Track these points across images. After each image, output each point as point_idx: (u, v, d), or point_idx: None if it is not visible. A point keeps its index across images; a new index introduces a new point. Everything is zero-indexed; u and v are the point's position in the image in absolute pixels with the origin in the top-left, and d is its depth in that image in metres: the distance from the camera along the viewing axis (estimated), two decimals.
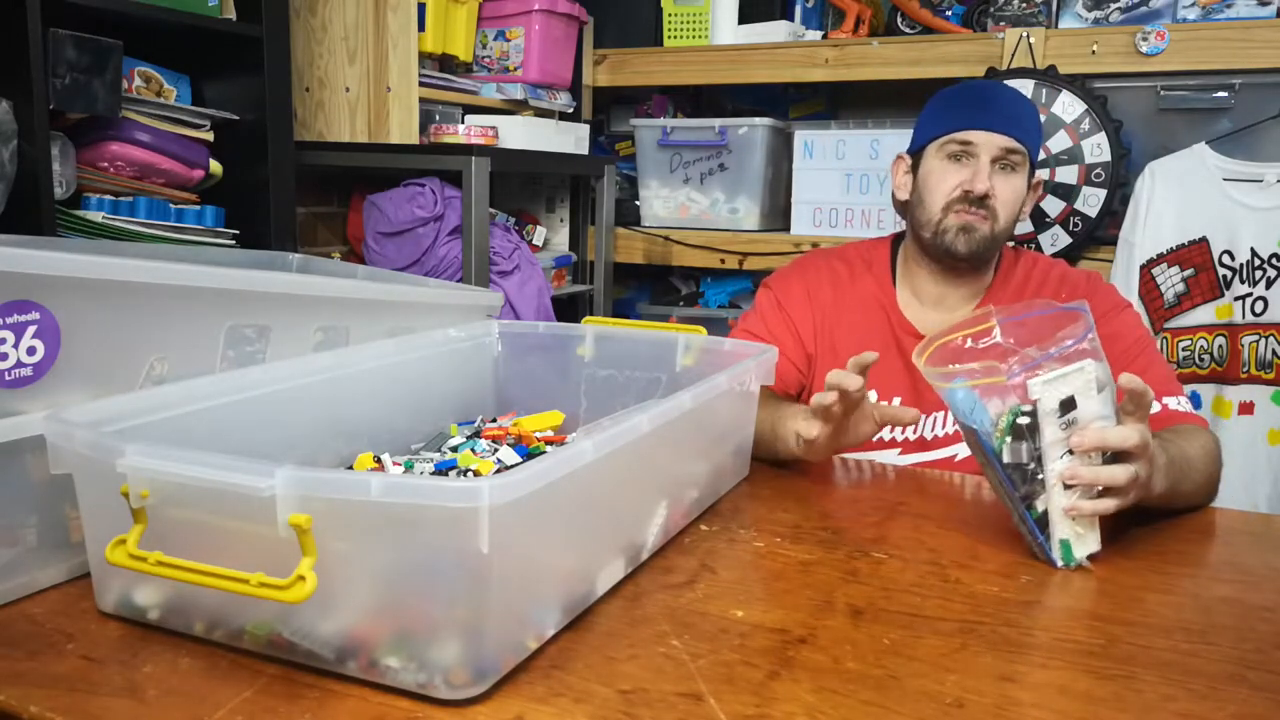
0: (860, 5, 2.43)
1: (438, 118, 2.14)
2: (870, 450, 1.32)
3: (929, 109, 1.35)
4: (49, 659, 0.70)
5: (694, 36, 2.53)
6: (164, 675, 0.68)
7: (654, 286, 2.89)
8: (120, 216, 1.60)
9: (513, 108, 2.31)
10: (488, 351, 1.23)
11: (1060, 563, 0.91)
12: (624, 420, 0.78)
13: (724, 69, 2.46)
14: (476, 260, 1.98)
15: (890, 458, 1.31)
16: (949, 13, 2.36)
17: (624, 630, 0.76)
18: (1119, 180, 2.02)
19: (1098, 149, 2.01)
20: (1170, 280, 1.96)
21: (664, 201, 2.57)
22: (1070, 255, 2.07)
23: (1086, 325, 0.88)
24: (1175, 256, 1.96)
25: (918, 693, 0.68)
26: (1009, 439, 0.89)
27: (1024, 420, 0.88)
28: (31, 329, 0.77)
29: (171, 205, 1.69)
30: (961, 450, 1.30)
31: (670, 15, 2.54)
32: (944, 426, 1.32)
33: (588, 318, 1.25)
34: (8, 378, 0.76)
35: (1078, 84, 2.03)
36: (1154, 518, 1.05)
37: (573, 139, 2.36)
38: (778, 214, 2.54)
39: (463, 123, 2.15)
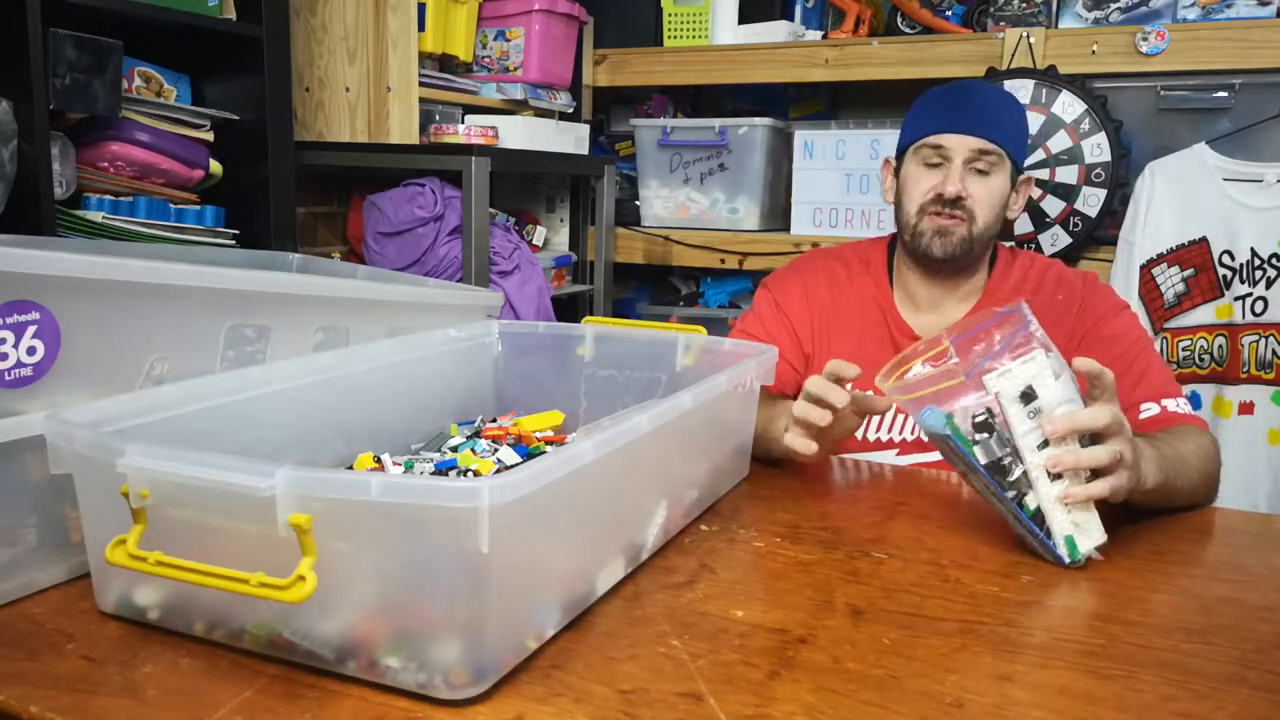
0: (860, 5, 2.43)
1: (438, 118, 2.14)
2: (869, 450, 1.32)
3: (910, 112, 1.36)
4: (49, 659, 0.70)
5: (694, 36, 2.53)
6: (164, 675, 0.68)
7: (654, 286, 2.89)
8: (120, 216, 1.60)
9: (513, 108, 2.31)
10: (488, 351, 1.23)
11: (1067, 559, 0.90)
12: (624, 420, 0.78)
13: (724, 69, 2.46)
14: (476, 260, 1.98)
15: (889, 458, 1.31)
16: (949, 13, 2.36)
17: (624, 630, 0.76)
18: (1119, 180, 2.02)
19: (1098, 149, 2.01)
20: (1170, 280, 1.96)
21: (664, 201, 2.57)
22: (1070, 255, 2.07)
23: (1024, 319, 0.92)
24: (1175, 256, 1.96)
25: (918, 693, 0.68)
26: (977, 436, 0.91)
27: (984, 416, 0.91)
28: (31, 329, 0.77)
29: (171, 205, 1.69)
30: None
31: (670, 15, 2.54)
32: None
33: (588, 318, 1.25)
34: (8, 378, 0.77)
35: (1078, 84, 2.03)
36: (1154, 517, 1.06)
37: (573, 139, 2.36)
38: (778, 214, 2.54)
39: (463, 123, 2.15)
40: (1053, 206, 2.06)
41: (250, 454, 0.67)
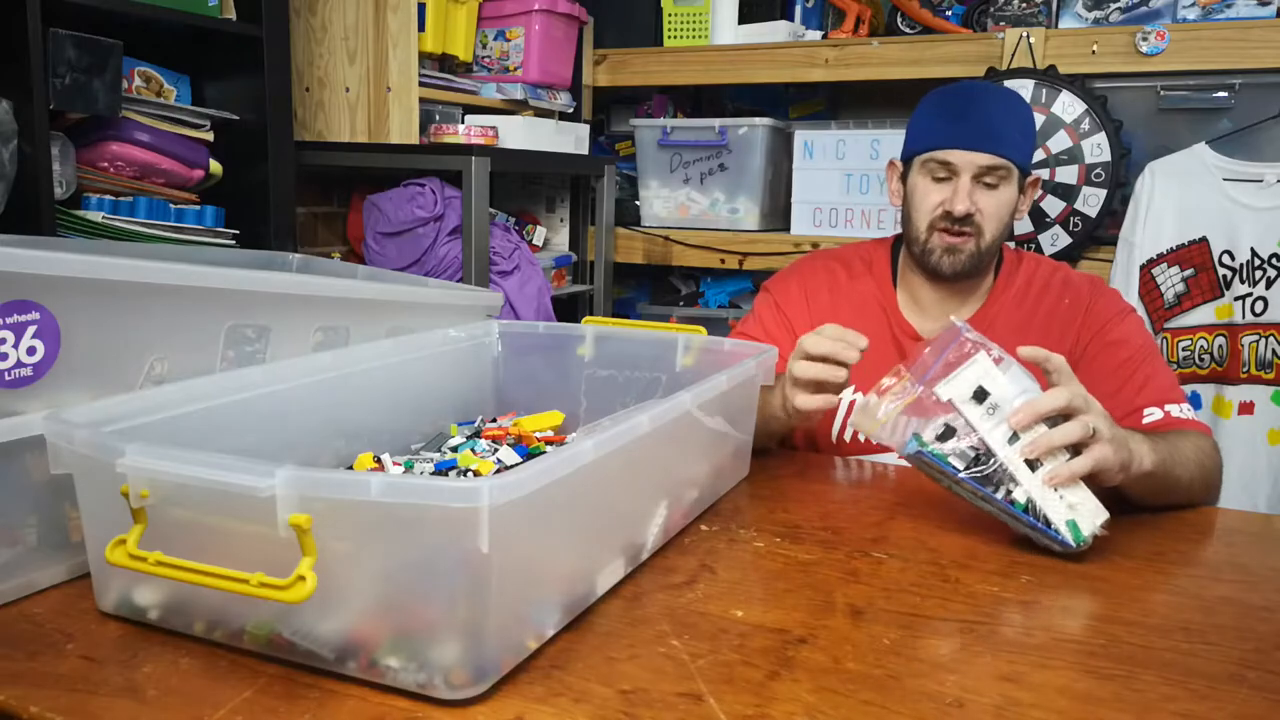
0: (860, 5, 2.43)
1: (438, 118, 2.14)
2: (870, 451, 1.31)
3: (916, 115, 1.34)
4: (49, 659, 0.70)
5: (694, 36, 2.53)
6: (164, 675, 0.68)
7: (654, 286, 2.89)
8: (120, 216, 1.60)
9: (513, 108, 2.31)
10: (488, 351, 1.23)
11: (1074, 543, 0.91)
12: (624, 420, 0.78)
13: (724, 69, 2.46)
14: (476, 260, 1.98)
15: (890, 458, 1.31)
16: (949, 13, 2.36)
17: (624, 630, 0.76)
18: (1119, 180, 2.02)
19: (1098, 149, 2.01)
20: (1170, 280, 1.96)
21: (664, 201, 2.57)
22: (1070, 255, 2.07)
23: (957, 331, 0.97)
24: (1175, 256, 1.96)
25: (918, 693, 0.68)
26: (945, 445, 0.94)
27: (944, 428, 0.94)
28: (31, 329, 0.77)
29: (171, 205, 1.69)
30: None
31: (670, 15, 2.54)
32: None
33: (588, 318, 1.25)
34: (8, 378, 0.77)
35: (1078, 84, 2.03)
36: (1154, 518, 1.06)
37: (573, 139, 2.36)
38: (778, 214, 2.54)
39: (463, 123, 2.15)
40: (1053, 206, 2.06)
41: (250, 454, 0.67)
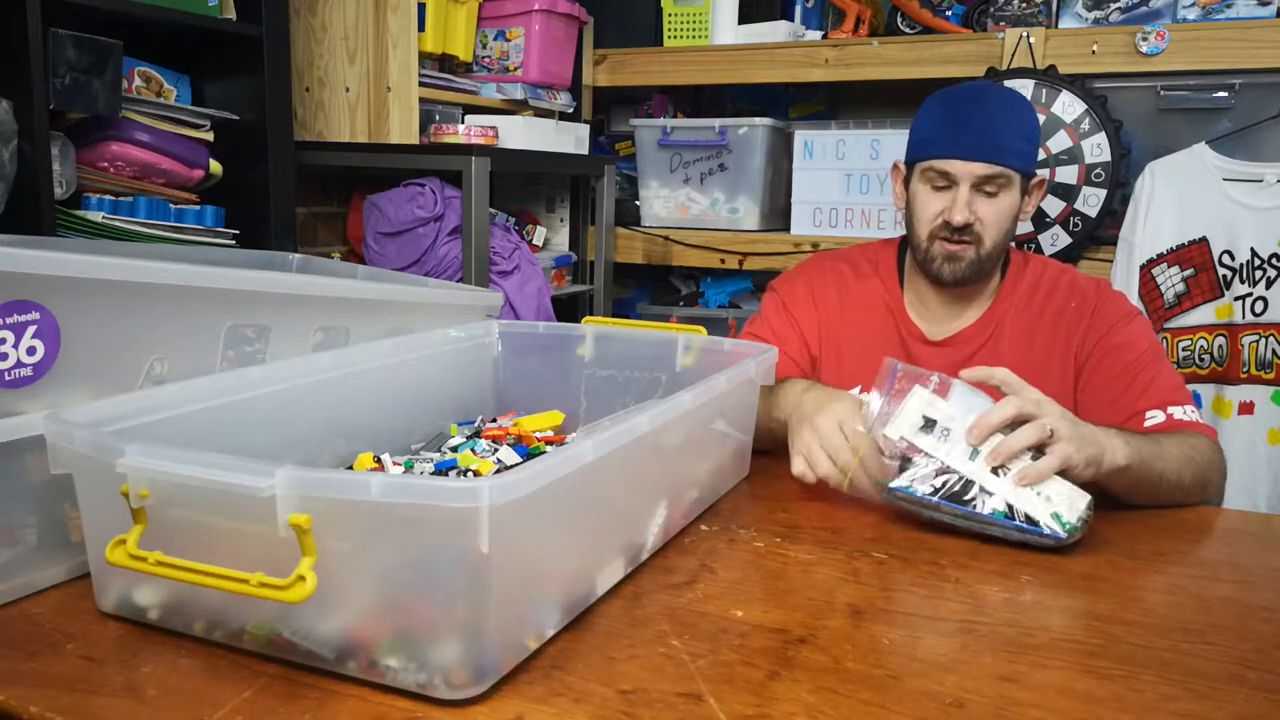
0: (860, 5, 2.43)
1: (438, 118, 2.14)
2: None
3: (919, 119, 1.33)
4: (49, 659, 0.70)
5: (694, 36, 2.52)
6: (164, 675, 0.68)
7: (654, 286, 2.89)
8: (120, 216, 1.60)
9: (513, 108, 2.31)
10: (488, 351, 1.23)
11: (1064, 533, 0.92)
12: (624, 420, 0.78)
13: (724, 69, 2.46)
14: (476, 260, 1.97)
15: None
16: (949, 13, 2.36)
17: (624, 630, 0.76)
18: (1119, 180, 2.02)
19: (1098, 149, 2.01)
20: (1170, 280, 1.96)
21: (664, 201, 2.57)
22: (1070, 255, 2.07)
23: (889, 371, 1.01)
24: (1175, 256, 1.96)
25: (918, 693, 0.68)
26: (910, 475, 0.97)
27: (900, 460, 0.98)
28: (31, 329, 0.77)
29: (171, 205, 1.69)
30: None
31: (670, 15, 2.54)
32: None
33: (588, 318, 1.25)
34: (8, 378, 0.77)
35: (1078, 84, 2.03)
36: (1154, 517, 1.06)
37: (573, 139, 2.36)
38: (778, 214, 2.54)
39: (463, 123, 2.15)
40: (1053, 206, 2.06)
41: (250, 454, 0.67)
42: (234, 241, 1.76)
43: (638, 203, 2.61)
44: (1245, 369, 1.91)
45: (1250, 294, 1.89)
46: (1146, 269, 1.98)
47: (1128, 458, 1.00)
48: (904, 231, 1.40)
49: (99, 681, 0.67)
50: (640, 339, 1.19)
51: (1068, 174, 2.04)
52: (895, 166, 1.40)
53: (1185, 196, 1.94)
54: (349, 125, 2.09)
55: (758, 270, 2.45)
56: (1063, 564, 0.92)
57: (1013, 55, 2.10)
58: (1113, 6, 2.09)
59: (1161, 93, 2.03)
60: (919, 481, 0.96)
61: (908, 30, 2.39)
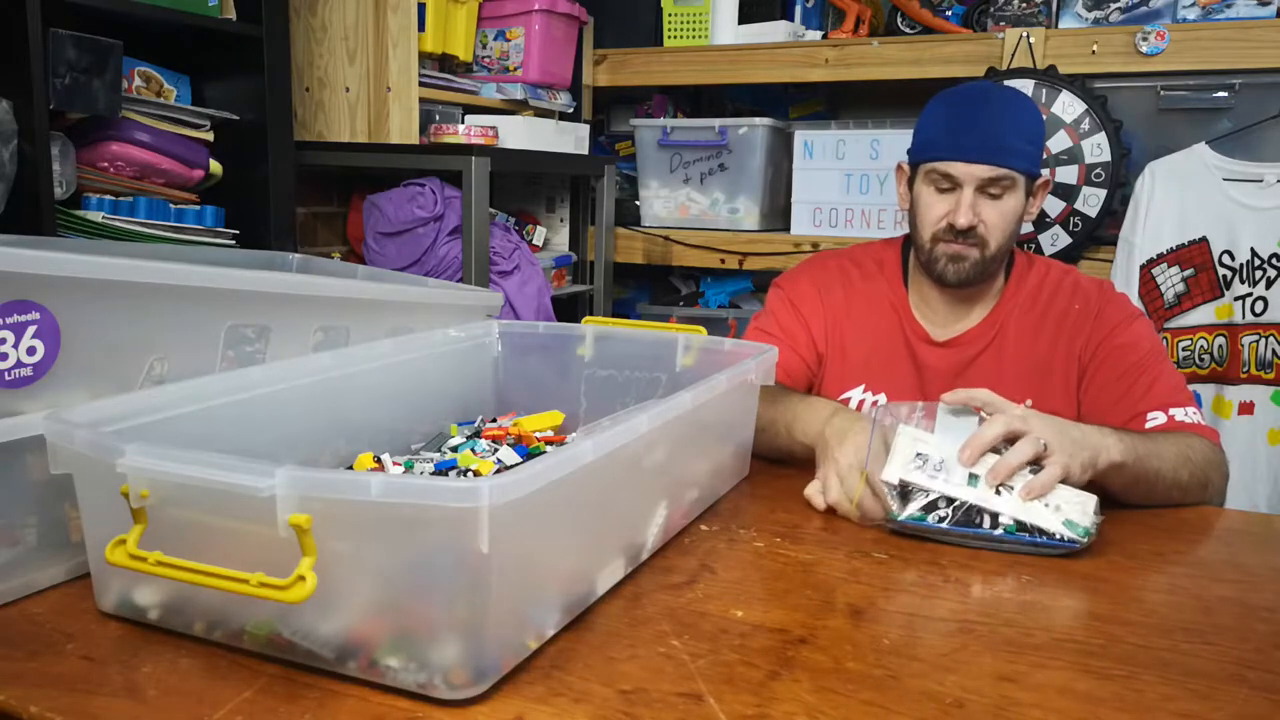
0: (860, 5, 2.43)
1: (438, 118, 2.14)
2: None
3: (923, 120, 1.33)
4: (49, 659, 0.70)
5: (694, 36, 2.52)
6: (164, 675, 0.68)
7: (654, 286, 2.89)
8: (120, 216, 1.60)
9: (513, 108, 2.31)
10: (488, 351, 1.23)
11: (1080, 537, 0.92)
12: (624, 420, 0.78)
13: (724, 69, 2.46)
14: (476, 260, 1.97)
15: None
16: (949, 13, 2.36)
17: (624, 630, 0.76)
18: (1119, 180, 2.02)
19: (1098, 149, 2.01)
20: (1170, 280, 1.96)
21: (664, 201, 2.57)
22: (1070, 255, 2.06)
23: (869, 420, 1.03)
24: (1175, 256, 1.96)
25: (918, 693, 0.68)
26: (916, 505, 0.96)
27: (899, 494, 0.97)
28: (31, 329, 0.77)
29: (171, 205, 1.69)
30: None
31: (670, 15, 2.54)
32: None
33: (588, 318, 1.25)
34: (8, 378, 0.77)
35: (1078, 84, 2.03)
36: (1154, 517, 1.06)
37: (573, 139, 2.36)
38: (778, 214, 2.54)
39: (463, 123, 2.15)
40: (1053, 206, 2.06)
41: (250, 454, 0.67)
42: (234, 241, 1.76)
43: (638, 203, 2.61)
44: (1245, 369, 1.91)
45: (1250, 294, 1.89)
46: (1146, 269, 1.98)
47: (1122, 454, 1.01)
48: (905, 231, 1.40)
49: (99, 681, 0.67)
50: (640, 339, 1.19)
51: (1068, 174, 2.04)
52: (899, 167, 1.40)
53: (1185, 196, 1.94)
54: (349, 125, 2.09)
55: (758, 270, 2.45)
56: (1063, 564, 0.92)
57: (1013, 55, 2.10)
58: (1113, 6, 2.09)
59: (1161, 93, 2.03)
60: (923, 510, 0.96)
61: (908, 30, 2.39)
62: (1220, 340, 1.94)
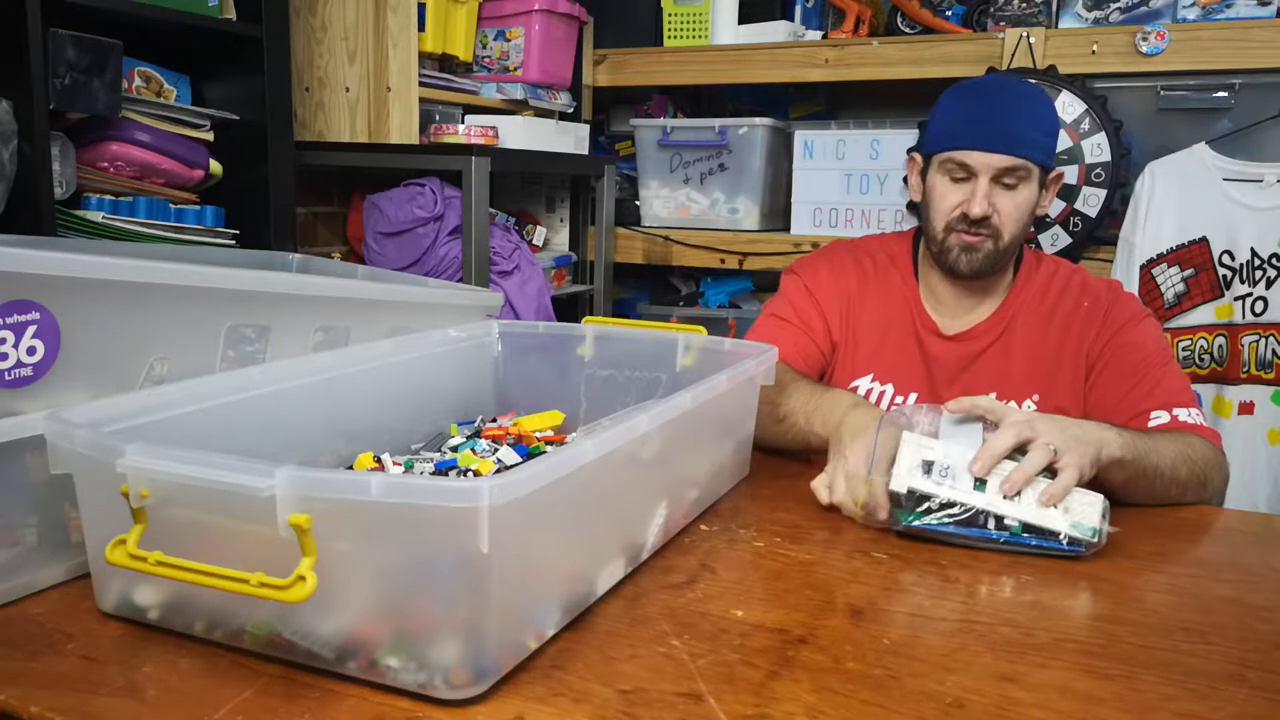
0: (860, 5, 2.43)
1: (438, 118, 2.14)
2: None
3: (938, 111, 1.33)
4: (49, 659, 0.70)
5: (694, 36, 2.52)
6: (164, 675, 0.68)
7: (654, 286, 2.89)
8: (120, 216, 1.60)
9: (513, 108, 2.31)
10: (488, 351, 1.23)
11: (1092, 538, 0.92)
12: (624, 420, 0.78)
13: (724, 69, 2.46)
14: (476, 260, 1.97)
15: None
16: (949, 13, 2.36)
17: (624, 630, 0.76)
18: (1119, 180, 2.02)
19: (1098, 149, 2.01)
20: (1170, 280, 1.96)
21: (664, 201, 2.57)
22: (1070, 255, 2.06)
23: (876, 430, 1.01)
24: (1175, 256, 1.96)
25: (918, 693, 0.68)
26: (926, 513, 0.95)
27: (907, 499, 0.96)
28: (31, 329, 0.77)
29: (171, 205, 1.69)
30: None
31: (670, 15, 2.54)
32: None
33: (588, 318, 1.25)
34: (8, 378, 0.76)
35: (1078, 84, 2.03)
36: (1154, 517, 1.06)
37: (573, 139, 2.36)
38: (778, 214, 2.54)
39: (463, 123, 2.15)
40: (1053, 206, 2.06)
41: (250, 454, 0.67)
42: (234, 241, 1.76)
43: (638, 203, 2.61)
44: (1245, 369, 1.91)
45: (1250, 294, 1.89)
46: (1146, 269, 1.98)
47: (1122, 449, 1.01)
48: (905, 230, 1.40)
49: (99, 681, 0.67)
50: (640, 339, 1.19)
51: (1068, 174, 2.04)
52: (912, 159, 1.40)
53: (1185, 196, 1.94)
54: (349, 125, 2.09)
55: (758, 270, 2.45)
56: (1063, 564, 0.92)
57: (1013, 55, 2.10)
58: (1113, 6, 2.09)
59: (1161, 93, 2.03)
60: (931, 515, 0.96)
61: (908, 30, 2.39)
62: (1220, 340, 1.94)
